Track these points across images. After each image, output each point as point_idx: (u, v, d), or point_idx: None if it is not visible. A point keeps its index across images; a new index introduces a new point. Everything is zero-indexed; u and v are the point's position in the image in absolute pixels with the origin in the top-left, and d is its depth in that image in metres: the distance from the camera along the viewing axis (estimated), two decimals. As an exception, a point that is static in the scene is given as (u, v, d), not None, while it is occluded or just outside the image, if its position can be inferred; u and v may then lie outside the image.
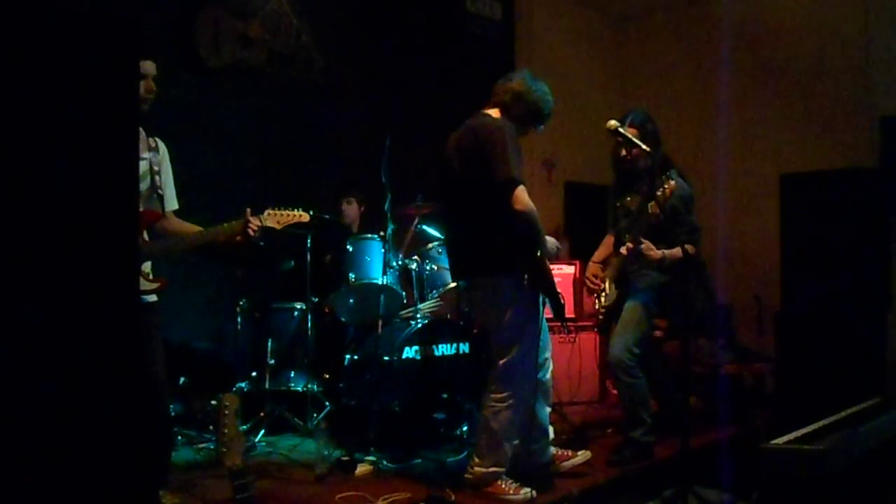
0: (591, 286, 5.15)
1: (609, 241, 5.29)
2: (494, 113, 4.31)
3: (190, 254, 4.09)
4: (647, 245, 4.76)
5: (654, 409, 5.09)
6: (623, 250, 4.81)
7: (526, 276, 4.15)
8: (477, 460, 4.27)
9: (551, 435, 4.63)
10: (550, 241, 4.34)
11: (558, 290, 4.31)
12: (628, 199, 5.06)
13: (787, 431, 4.37)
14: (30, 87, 1.81)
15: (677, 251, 4.64)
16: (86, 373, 1.88)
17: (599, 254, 5.29)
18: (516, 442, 4.30)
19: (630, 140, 4.47)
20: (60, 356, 1.84)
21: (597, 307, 5.21)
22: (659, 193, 4.47)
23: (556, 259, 4.52)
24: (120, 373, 1.95)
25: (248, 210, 3.96)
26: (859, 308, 6.97)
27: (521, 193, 3.97)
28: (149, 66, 3.68)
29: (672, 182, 4.46)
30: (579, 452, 4.67)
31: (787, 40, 8.44)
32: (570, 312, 6.95)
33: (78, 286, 1.87)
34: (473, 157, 4.13)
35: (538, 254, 4.12)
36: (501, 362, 4.25)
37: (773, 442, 4.19)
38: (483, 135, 4.14)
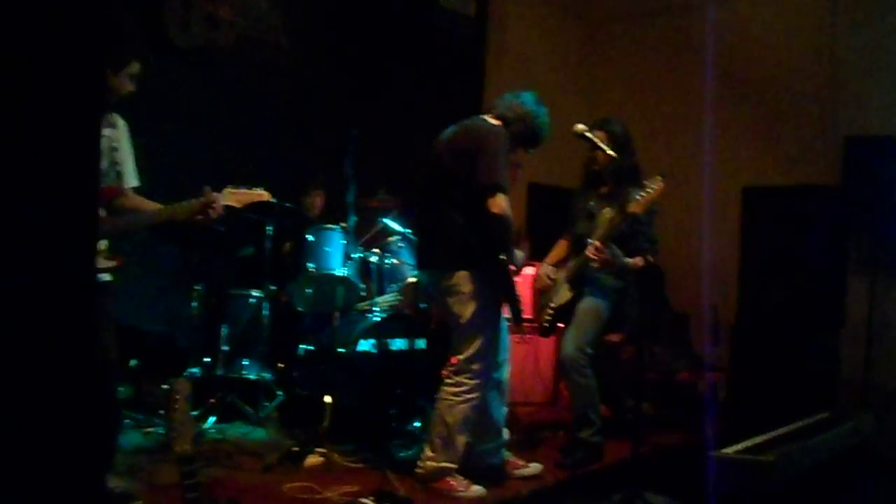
0: (544, 284, 5.15)
1: (563, 244, 5.28)
2: (494, 122, 4.39)
3: (149, 232, 4.03)
4: (613, 250, 4.78)
5: (606, 415, 5.11)
6: (590, 252, 4.80)
7: (487, 275, 4.22)
8: (430, 454, 4.27)
9: (506, 436, 4.64)
10: (518, 253, 4.43)
11: (518, 294, 4.36)
12: (592, 202, 5.05)
13: (737, 441, 4.40)
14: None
15: (639, 260, 4.70)
16: (34, 350, 1.83)
17: (553, 256, 5.28)
18: (469, 440, 4.30)
19: (596, 144, 4.49)
20: (8, 332, 1.80)
21: (543, 304, 5.20)
22: (645, 193, 4.51)
23: (521, 270, 4.56)
24: (70, 352, 1.91)
25: (208, 188, 3.92)
26: (814, 322, 7.06)
27: (502, 199, 4.08)
28: (135, 68, 3.69)
29: (661, 184, 4.50)
30: (531, 464, 4.70)
31: (755, 56, 8.50)
32: (528, 313, 6.94)
33: (32, 262, 1.83)
34: (464, 156, 4.22)
35: (501, 257, 4.19)
36: (461, 357, 4.27)
37: (724, 451, 4.23)
38: (478, 136, 4.26)
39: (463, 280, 4.22)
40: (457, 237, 4.25)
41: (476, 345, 4.25)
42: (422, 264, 4.67)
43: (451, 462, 4.24)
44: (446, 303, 4.32)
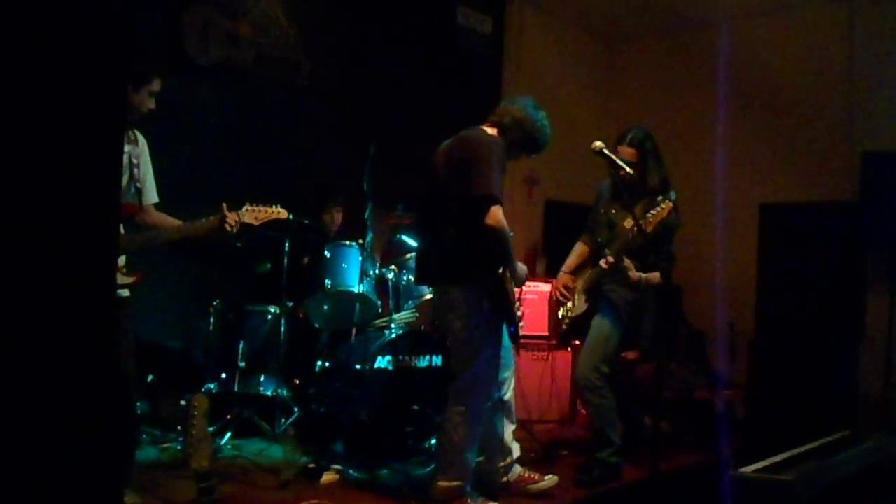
0: (561, 298, 5.13)
1: (581, 250, 5.24)
2: (491, 131, 4.32)
3: (167, 248, 4.05)
4: (628, 264, 4.76)
5: (621, 432, 5.07)
6: (603, 263, 4.79)
7: (484, 291, 4.16)
8: (441, 475, 4.23)
9: (517, 453, 4.61)
10: (521, 267, 4.35)
11: (517, 311, 4.35)
12: (613, 211, 5.02)
13: (755, 460, 4.37)
14: (11, 75, 1.77)
15: (655, 276, 4.68)
16: (55, 366, 1.84)
17: (571, 263, 5.24)
18: (480, 458, 4.27)
19: (614, 162, 4.46)
20: (29, 348, 1.80)
21: (560, 315, 5.19)
22: (654, 212, 4.50)
23: (524, 285, 4.53)
24: (89, 368, 1.91)
25: (224, 205, 3.94)
26: (832, 339, 7.01)
27: (496, 211, 3.98)
28: (156, 85, 3.73)
29: (670, 204, 4.50)
30: (546, 477, 4.65)
31: (772, 73, 8.49)
32: (544, 330, 6.93)
33: (52, 277, 1.84)
34: (459, 168, 4.14)
35: (500, 271, 4.15)
36: (461, 375, 4.23)
37: (742, 470, 4.19)
38: (472, 147, 4.17)
39: (458, 295, 4.17)
40: (451, 251, 4.18)
41: (475, 363, 4.18)
42: (420, 279, 4.65)
43: (463, 480, 4.20)
44: (444, 320, 4.29)
